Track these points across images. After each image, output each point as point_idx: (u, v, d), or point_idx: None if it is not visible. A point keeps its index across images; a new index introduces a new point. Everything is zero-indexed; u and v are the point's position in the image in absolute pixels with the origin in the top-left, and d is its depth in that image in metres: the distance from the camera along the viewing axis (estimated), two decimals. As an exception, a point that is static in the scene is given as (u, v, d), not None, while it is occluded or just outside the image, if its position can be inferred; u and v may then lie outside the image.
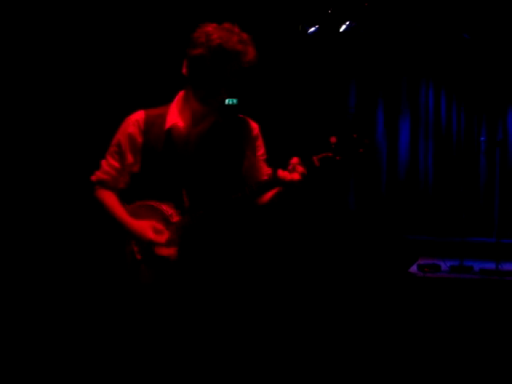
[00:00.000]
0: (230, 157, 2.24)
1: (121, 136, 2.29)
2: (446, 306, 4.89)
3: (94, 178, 2.34)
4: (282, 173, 2.03)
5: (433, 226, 7.74)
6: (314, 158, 2.01)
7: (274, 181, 2.05)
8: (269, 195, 2.21)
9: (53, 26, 5.30)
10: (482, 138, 7.73)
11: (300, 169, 2.00)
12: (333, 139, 2.00)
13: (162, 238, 2.15)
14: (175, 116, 2.25)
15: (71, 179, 4.99)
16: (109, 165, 2.31)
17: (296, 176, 2.00)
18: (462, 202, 7.30)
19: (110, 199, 2.30)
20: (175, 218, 2.16)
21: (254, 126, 2.33)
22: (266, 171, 2.30)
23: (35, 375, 3.53)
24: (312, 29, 7.35)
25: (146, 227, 2.17)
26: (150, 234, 2.15)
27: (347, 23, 7.33)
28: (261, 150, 2.32)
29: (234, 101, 6.31)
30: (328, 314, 4.73)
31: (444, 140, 8.06)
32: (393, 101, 8.11)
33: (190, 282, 2.22)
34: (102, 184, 2.32)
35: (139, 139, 2.26)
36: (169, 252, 2.15)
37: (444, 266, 5.97)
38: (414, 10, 7.16)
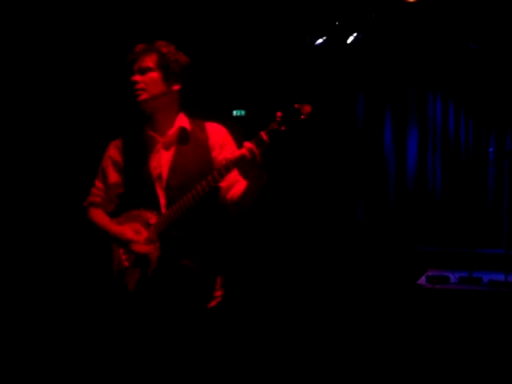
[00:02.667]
0: (197, 158, 2.40)
1: (103, 161, 2.56)
2: (454, 318, 4.86)
3: (85, 203, 2.60)
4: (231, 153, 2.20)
5: (441, 237, 7.69)
6: (262, 132, 2.09)
7: (229, 161, 2.14)
8: (238, 187, 2.31)
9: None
10: (491, 149, 7.70)
11: (248, 144, 2.09)
12: (279, 114, 2.07)
13: (141, 237, 2.33)
14: (148, 129, 2.46)
15: (62, 199, 5.14)
16: (96, 188, 2.57)
17: (243, 151, 2.08)
18: (470, 213, 7.26)
19: (97, 214, 2.54)
20: (153, 220, 2.33)
21: (220, 129, 2.49)
22: None
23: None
24: (319, 40, 7.37)
25: (126, 229, 2.37)
26: (129, 234, 2.34)
27: (354, 35, 7.35)
28: (229, 150, 2.42)
29: (242, 112, 6.33)
30: (335, 325, 4.71)
31: (452, 151, 8.03)
32: (401, 112, 8.10)
33: (170, 279, 2.33)
34: (92, 205, 2.56)
35: (119, 159, 2.50)
36: (147, 249, 2.31)
37: (453, 277, 5.93)
38: (421, 20, 7.18)
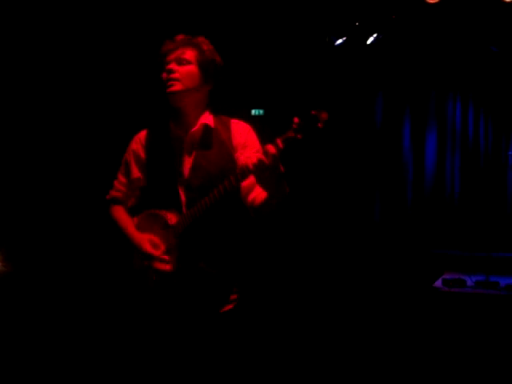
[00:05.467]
0: (220, 157, 2.33)
1: (127, 154, 2.50)
2: (470, 322, 4.83)
3: (108, 196, 2.56)
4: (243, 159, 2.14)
5: (458, 241, 7.65)
6: (278, 139, 1.99)
7: (245, 166, 2.06)
8: (259, 190, 2.22)
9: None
10: (510, 152, 7.64)
11: (262, 152, 1.99)
12: (296, 119, 1.97)
13: (158, 251, 2.29)
14: (172, 125, 2.40)
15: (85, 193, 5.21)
16: (119, 182, 2.54)
17: (259, 157, 1.99)
18: (488, 216, 7.21)
19: (119, 214, 2.51)
20: (173, 221, 2.28)
21: (244, 128, 2.40)
22: None
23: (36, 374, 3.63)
24: (339, 40, 7.36)
25: (144, 240, 2.34)
26: (147, 248, 2.31)
27: (374, 35, 7.32)
28: (252, 150, 2.31)
29: (261, 111, 6.35)
30: (350, 327, 4.71)
31: (471, 153, 7.99)
32: (420, 113, 8.07)
33: (186, 280, 2.30)
34: (115, 201, 2.54)
35: (142, 154, 2.44)
36: (162, 267, 2.28)
37: (469, 281, 5.89)
38: (442, 22, 7.13)
